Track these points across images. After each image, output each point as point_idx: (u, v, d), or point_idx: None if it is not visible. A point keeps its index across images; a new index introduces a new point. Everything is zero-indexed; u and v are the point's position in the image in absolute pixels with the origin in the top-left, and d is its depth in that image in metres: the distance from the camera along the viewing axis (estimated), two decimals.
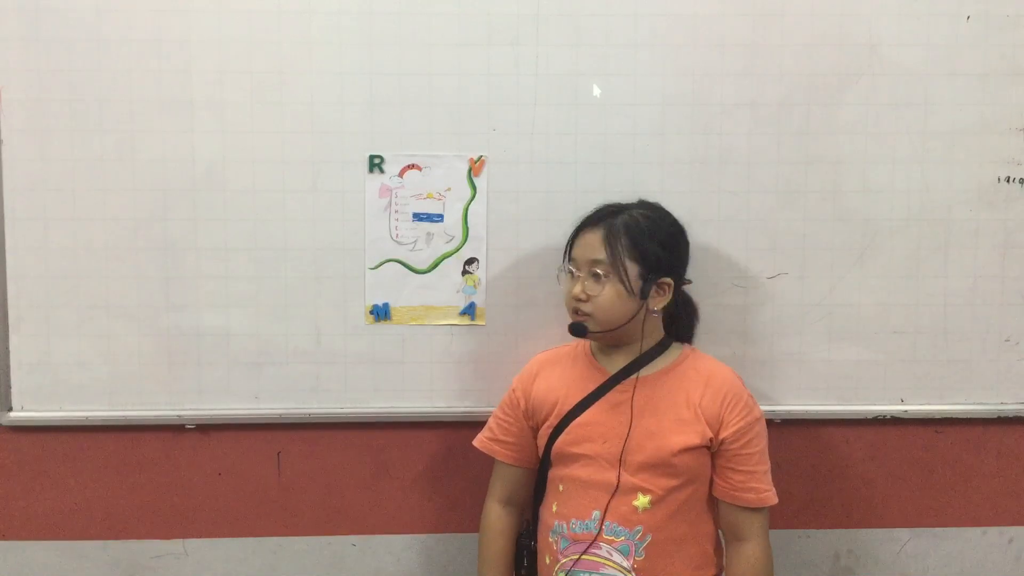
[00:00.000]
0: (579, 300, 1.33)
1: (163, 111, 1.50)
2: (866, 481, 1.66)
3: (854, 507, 1.66)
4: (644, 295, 1.30)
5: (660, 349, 1.37)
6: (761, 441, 1.33)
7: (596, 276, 1.31)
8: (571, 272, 1.36)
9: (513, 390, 1.44)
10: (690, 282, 1.41)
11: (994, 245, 1.57)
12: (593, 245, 1.32)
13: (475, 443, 1.45)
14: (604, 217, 1.33)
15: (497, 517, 1.44)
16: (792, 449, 1.61)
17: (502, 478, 1.45)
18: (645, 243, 1.30)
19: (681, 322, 1.43)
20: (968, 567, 1.68)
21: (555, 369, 1.42)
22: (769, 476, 1.33)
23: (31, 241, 1.52)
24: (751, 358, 1.56)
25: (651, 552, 1.29)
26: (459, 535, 1.65)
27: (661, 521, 1.29)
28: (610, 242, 1.30)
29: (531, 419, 1.41)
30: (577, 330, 1.34)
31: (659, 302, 1.32)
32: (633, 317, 1.31)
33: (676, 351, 1.38)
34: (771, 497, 1.32)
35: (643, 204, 1.38)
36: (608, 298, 1.30)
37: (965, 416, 1.61)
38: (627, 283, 1.29)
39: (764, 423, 1.35)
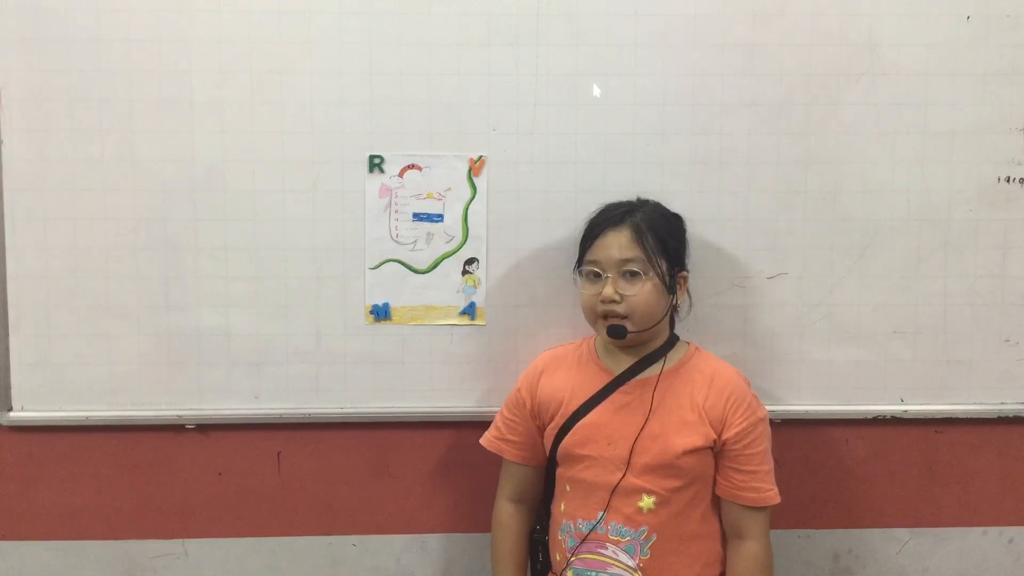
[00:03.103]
0: (613, 302, 1.30)
1: (163, 111, 1.50)
2: (866, 481, 1.66)
3: (854, 507, 1.66)
4: (673, 290, 1.34)
5: (665, 348, 1.37)
6: (764, 441, 1.33)
7: (629, 275, 1.30)
8: (595, 274, 1.33)
9: (518, 389, 1.44)
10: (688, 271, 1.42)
11: (994, 245, 1.57)
12: (622, 245, 1.31)
13: (482, 442, 1.46)
14: (624, 216, 1.34)
15: (508, 515, 1.45)
16: (792, 449, 1.61)
17: (511, 476, 1.45)
18: (667, 238, 1.33)
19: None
20: (968, 567, 1.68)
21: (560, 368, 1.42)
22: (772, 476, 1.34)
23: (31, 241, 1.52)
24: (751, 358, 1.56)
25: (657, 551, 1.30)
26: (459, 535, 1.65)
27: (666, 521, 1.30)
28: (641, 240, 1.31)
29: (537, 418, 1.41)
30: (617, 332, 1.31)
31: (681, 295, 1.36)
32: (666, 312, 1.35)
33: (681, 350, 1.38)
34: (773, 497, 1.32)
35: (644, 201, 1.41)
36: (647, 295, 1.30)
37: (965, 416, 1.61)
38: (664, 279, 1.31)
39: (768, 423, 1.35)
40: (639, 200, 1.41)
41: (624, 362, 1.36)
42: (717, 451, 1.32)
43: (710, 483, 1.33)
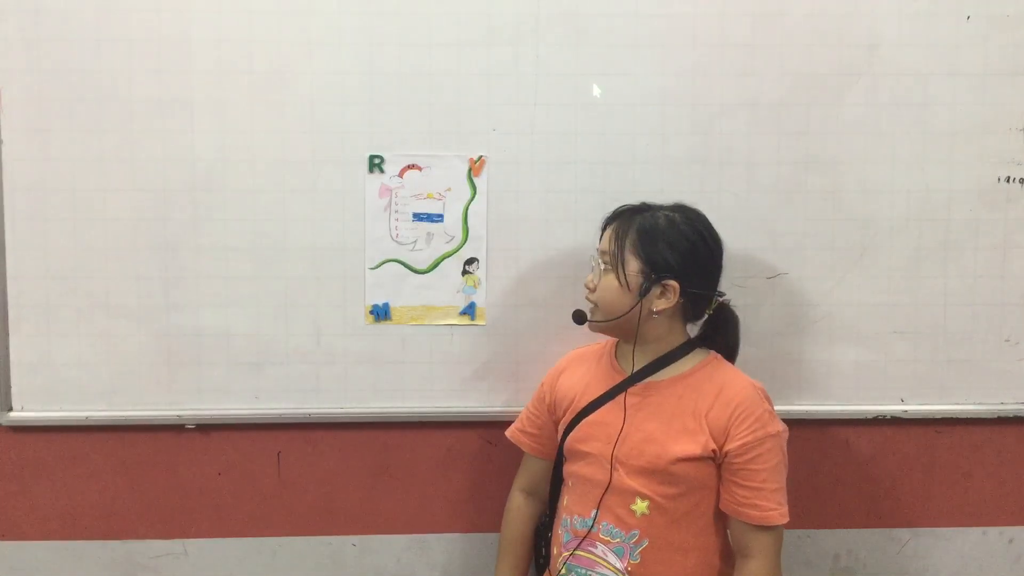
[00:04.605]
0: (588, 288, 1.36)
1: (163, 111, 1.50)
2: (866, 481, 1.66)
3: (854, 507, 1.66)
4: (642, 293, 1.29)
5: (679, 354, 1.35)
6: (772, 458, 1.28)
7: (603, 268, 1.33)
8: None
9: (542, 384, 1.47)
10: (723, 294, 1.37)
11: (994, 245, 1.57)
12: (607, 237, 1.34)
13: (506, 433, 1.50)
14: (625, 212, 1.35)
15: (517, 505, 1.49)
16: (791, 449, 1.60)
17: (526, 468, 1.50)
18: (653, 243, 1.29)
19: (719, 334, 1.39)
20: (968, 567, 1.68)
21: (580, 366, 1.44)
22: (780, 495, 1.28)
23: (31, 241, 1.52)
24: (751, 358, 1.54)
25: (647, 557, 1.29)
26: (459, 535, 1.65)
27: (661, 528, 1.29)
28: (618, 235, 1.31)
29: (553, 413, 1.43)
30: (576, 317, 1.37)
31: (660, 304, 1.30)
32: (627, 313, 1.30)
33: (697, 358, 1.35)
34: (776, 517, 1.26)
35: (677, 207, 1.34)
36: (603, 289, 1.32)
37: (965, 416, 1.61)
38: (622, 277, 1.30)
39: (781, 440, 1.31)
40: (672, 205, 1.35)
41: (637, 364, 1.35)
42: (719, 463, 1.29)
43: (712, 495, 1.31)
